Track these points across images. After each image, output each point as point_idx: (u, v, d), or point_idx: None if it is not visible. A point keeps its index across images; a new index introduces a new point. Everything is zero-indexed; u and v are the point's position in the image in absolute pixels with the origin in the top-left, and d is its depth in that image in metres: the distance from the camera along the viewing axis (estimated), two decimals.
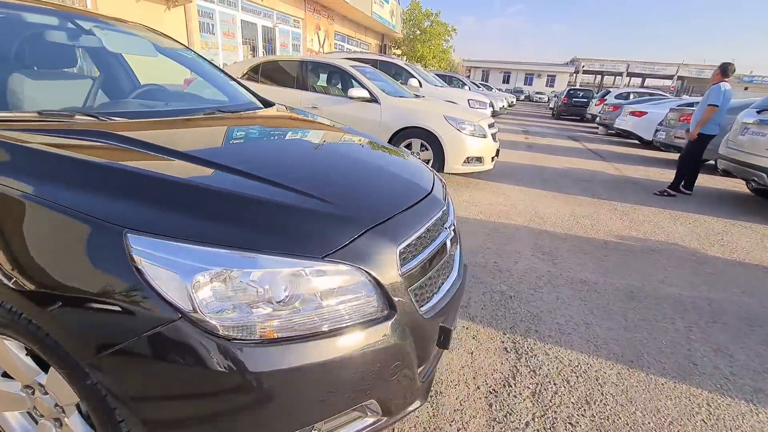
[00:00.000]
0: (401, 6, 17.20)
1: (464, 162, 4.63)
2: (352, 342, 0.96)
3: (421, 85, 7.87)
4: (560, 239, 3.38)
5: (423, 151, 4.69)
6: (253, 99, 2.36)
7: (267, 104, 2.33)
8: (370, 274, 1.00)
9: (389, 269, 1.04)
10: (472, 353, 1.88)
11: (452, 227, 1.48)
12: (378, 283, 1.01)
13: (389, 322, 1.03)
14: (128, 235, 0.83)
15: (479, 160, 4.78)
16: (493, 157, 5.01)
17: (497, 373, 1.77)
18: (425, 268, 1.20)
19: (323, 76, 5.41)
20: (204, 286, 0.84)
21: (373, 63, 7.87)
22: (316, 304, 0.93)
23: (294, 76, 5.21)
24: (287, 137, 1.75)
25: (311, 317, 0.92)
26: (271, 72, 5.39)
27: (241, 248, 0.88)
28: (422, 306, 1.17)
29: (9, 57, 1.54)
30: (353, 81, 4.91)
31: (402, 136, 4.69)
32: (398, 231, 1.12)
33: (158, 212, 0.91)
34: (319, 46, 12.16)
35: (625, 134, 10.59)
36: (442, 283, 1.34)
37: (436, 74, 12.32)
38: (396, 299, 1.04)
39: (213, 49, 7.87)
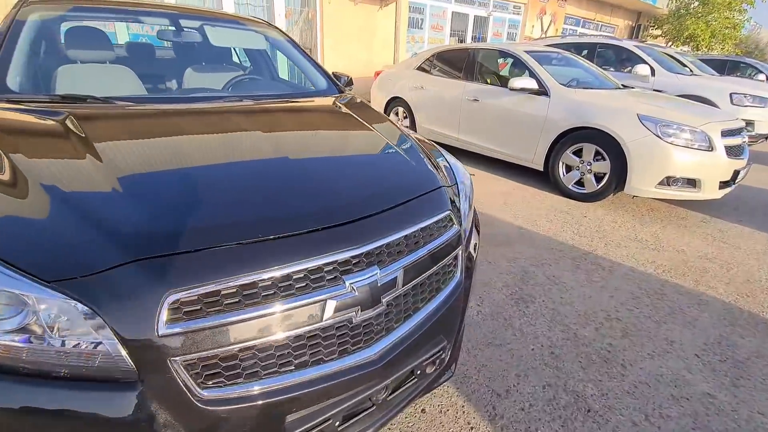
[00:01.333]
0: None
1: (661, 183, 3.21)
2: (61, 397, 0.74)
3: (653, 74, 5.92)
4: None
5: (597, 161, 3.51)
6: (322, 88, 2.24)
7: (330, 92, 2.16)
8: (104, 320, 0.74)
9: (143, 325, 0.75)
10: None
11: (391, 285, 1.00)
12: (123, 339, 0.74)
13: (123, 394, 0.75)
14: None
15: (692, 183, 3.21)
16: (725, 182, 3.27)
17: None
18: (244, 334, 0.82)
19: (493, 65, 4.77)
20: None
21: (591, 47, 6.45)
22: (38, 338, 0.75)
23: (462, 65, 4.81)
24: (241, 138, 1.40)
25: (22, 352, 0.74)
26: (443, 63, 5.15)
27: None
28: (212, 389, 0.81)
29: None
30: (527, 69, 4.11)
31: (571, 139, 3.64)
32: (190, 271, 0.79)
33: None
34: (541, 32, 10.89)
35: None
36: (309, 364, 0.90)
37: (707, 59, 9.08)
38: (154, 369, 0.75)
39: (419, 43, 8.22)
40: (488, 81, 4.66)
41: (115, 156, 1.07)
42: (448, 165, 1.56)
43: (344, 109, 1.83)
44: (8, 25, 1.65)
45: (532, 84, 3.87)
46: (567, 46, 6.49)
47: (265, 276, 0.84)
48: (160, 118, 1.44)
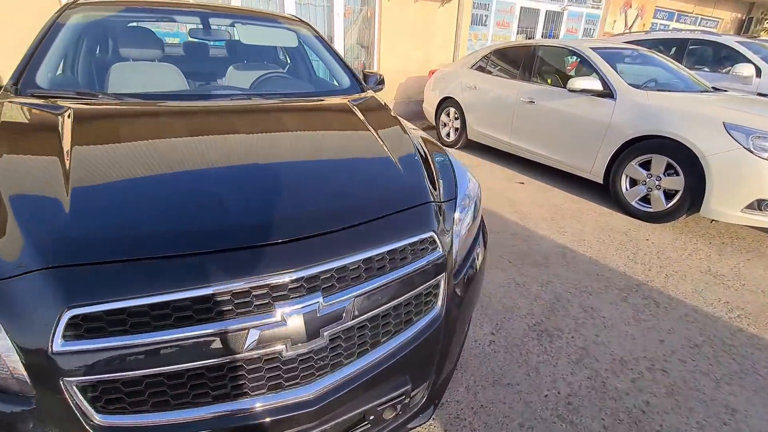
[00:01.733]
0: None
1: (750, 207, 2.66)
2: None
3: (758, 74, 5.02)
4: None
5: (668, 176, 3.02)
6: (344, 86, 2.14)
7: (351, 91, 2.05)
8: (4, 328, 0.70)
9: (39, 339, 0.70)
10: None
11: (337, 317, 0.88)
12: (21, 350, 0.70)
13: (15, 408, 0.71)
14: None
15: None
16: None
17: None
18: (148, 357, 0.74)
19: (553, 63, 4.33)
20: None
21: (681, 44, 5.67)
22: None
23: (519, 64, 4.45)
24: (225, 139, 1.32)
25: None
26: (499, 61, 4.82)
27: None
28: (112, 415, 0.74)
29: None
30: (592, 69, 3.66)
31: (638, 149, 3.17)
32: (96, 285, 0.73)
33: None
34: (625, 27, 9.80)
35: None
36: (230, 397, 0.81)
37: None
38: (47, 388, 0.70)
39: (482, 41, 7.83)
40: (548, 81, 4.25)
41: (86, 157, 1.05)
42: (453, 175, 1.38)
43: (353, 110, 1.71)
44: (48, 26, 1.78)
45: (595, 84, 3.43)
46: (652, 43, 5.74)
47: (180, 296, 0.75)
48: (155, 118, 1.43)
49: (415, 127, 1.79)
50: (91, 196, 0.91)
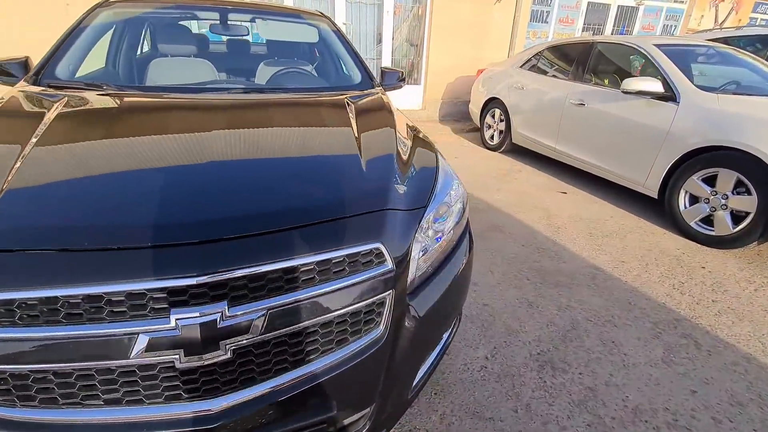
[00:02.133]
0: None
1: None
2: None
3: None
4: None
5: (738, 194, 2.57)
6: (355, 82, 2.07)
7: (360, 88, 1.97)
8: None
9: None
10: None
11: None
12: None
13: None
14: None
15: None
16: None
17: None
18: None
19: (611, 62, 3.89)
20: None
21: (764, 40, 4.86)
22: None
23: (573, 63, 4.07)
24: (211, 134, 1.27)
25: None
26: (551, 59, 4.46)
27: None
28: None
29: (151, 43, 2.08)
30: (656, 68, 3.23)
31: (702, 161, 2.73)
32: None
33: None
34: (714, 23, 8.63)
35: None
36: (122, 402, 0.77)
37: None
38: None
39: (542, 39, 7.31)
40: (605, 81, 3.84)
41: (44, 147, 1.07)
42: (434, 181, 1.24)
43: (346, 107, 1.62)
44: (78, 22, 1.90)
45: (654, 86, 3.01)
46: (747, 41, 4.96)
47: (70, 293, 0.72)
48: (136, 111, 1.45)
49: (415, 128, 1.66)
50: (23, 186, 0.91)
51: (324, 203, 0.98)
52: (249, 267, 0.80)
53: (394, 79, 2.36)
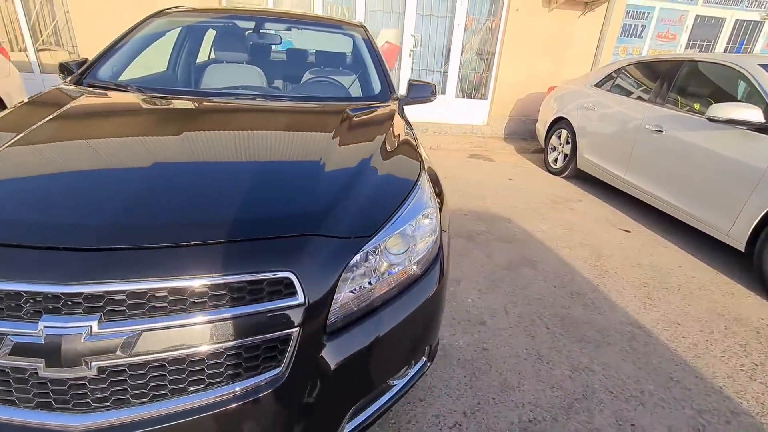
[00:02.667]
0: None
1: None
2: None
3: None
4: None
5: None
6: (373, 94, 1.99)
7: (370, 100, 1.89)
8: None
9: None
10: None
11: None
12: None
13: None
14: None
15: None
16: None
17: None
18: None
19: (702, 84, 3.29)
20: None
21: None
22: None
23: (656, 83, 3.54)
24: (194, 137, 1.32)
25: None
26: (630, 78, 3.94)
27: None
28: None
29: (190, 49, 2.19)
30: (762, 93, 2.66)
31: None
32: None
33: None
34: None
35: None
36: None
37: None
38: None
39: (633, 55, 6.54)
40: (696, 107, 3.27)
41: (22, 145, 1.14)
42: (397, 207, 1.10)
43: (341, 118, 1.54)
44: (130, 29, 2.09)
45: (752, 114, 2.47)
46: None
47: None
48: (134, 113, 1.52)
49: (413, 145, 1.52)
50: None
51: (240, 220, 0.91)
52: (129, 282, 0.75)
53: (423, 92, 2.23)
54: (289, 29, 2.45)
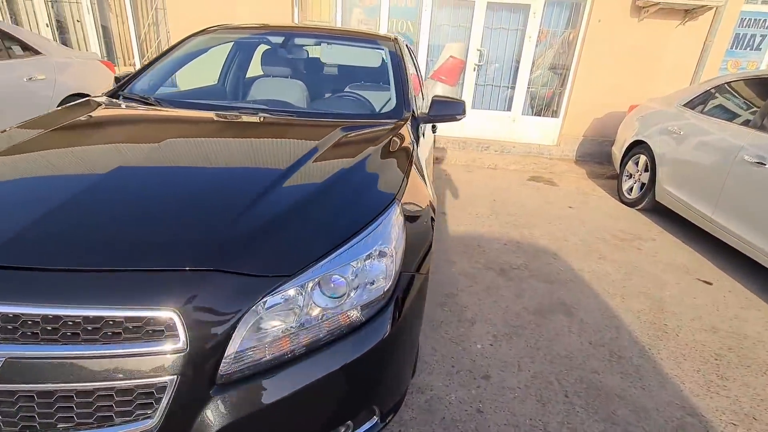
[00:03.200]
0: None
1: None
2: None
3: None
4: None
5: None
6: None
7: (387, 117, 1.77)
8: None
9: None
10: None
11: None
12: None
13: None
14: None
15: None
16: None
17: None
18: None
19: None
20: None
21: None
22: None
23: (760, 106, 2.89)
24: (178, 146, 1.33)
25: None
26: (729, 98, 3.28)
27: None
28: None
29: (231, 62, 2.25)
30: None
31: None
32: None
33: None
34: None
35: None
36: None
37: None
38: None
39: (747, 69, 5.48)
40: None
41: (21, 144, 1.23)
42: (345, 240, 0.96)
43: (332, 135, 1.45)
44: (172, 46, 2.23)
45: None
46: None
47: None
48: (143, 124, 1.58)
49: (407, 169, 1.36)
50: None
51: (137, 247, 0.84)
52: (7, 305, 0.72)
53: (449, 109, 2.03)
54: (318, 44, 2.44)
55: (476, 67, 5.80)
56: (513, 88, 5.91)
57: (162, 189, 1.07)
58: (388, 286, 1.01)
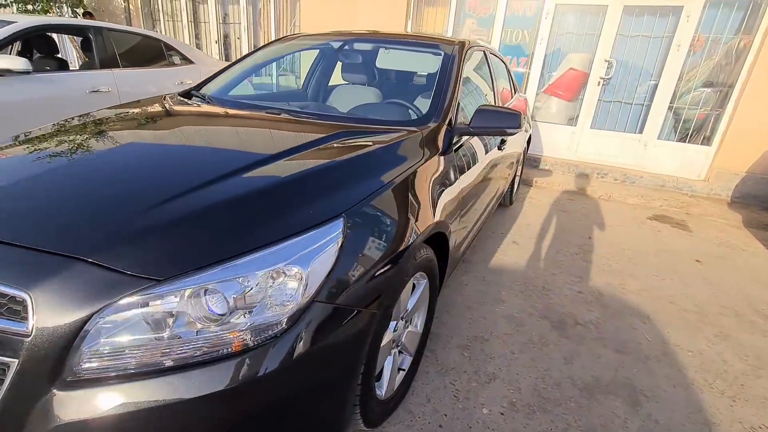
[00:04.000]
0: None
1: None
2: None
3: None
4: None
5: None
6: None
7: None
8: None
9: None
10: None
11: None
12: None
13: None
14: None
15: None
16: None
17: None
18: None
19: None
20: None
21: None
22: None
23: None
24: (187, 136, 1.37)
25: None
26: None
27: None
28: None
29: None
30: None
31: None
32: None
33: None
34: None
35: None
36: None
37: None
38: None
39: None
40: None
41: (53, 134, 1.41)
42: (264, 251, 0.85)
43: (318, 141, 1.33)
44: (247, 54, 2.40)
45: None
46: None
47: None
48: (201, 117, 1.69)
49: (400, 186, 1.17)
50: None
51: (28, 223, 0.86)
52: None
53: (497, 122, 1.70)
54: (376, 49, 2.34)
55: (601, 80, 4.99)
56: (648, 106, 4.90)
57: (115, 173, 1.10)
58: (289, 313, 0.84)
